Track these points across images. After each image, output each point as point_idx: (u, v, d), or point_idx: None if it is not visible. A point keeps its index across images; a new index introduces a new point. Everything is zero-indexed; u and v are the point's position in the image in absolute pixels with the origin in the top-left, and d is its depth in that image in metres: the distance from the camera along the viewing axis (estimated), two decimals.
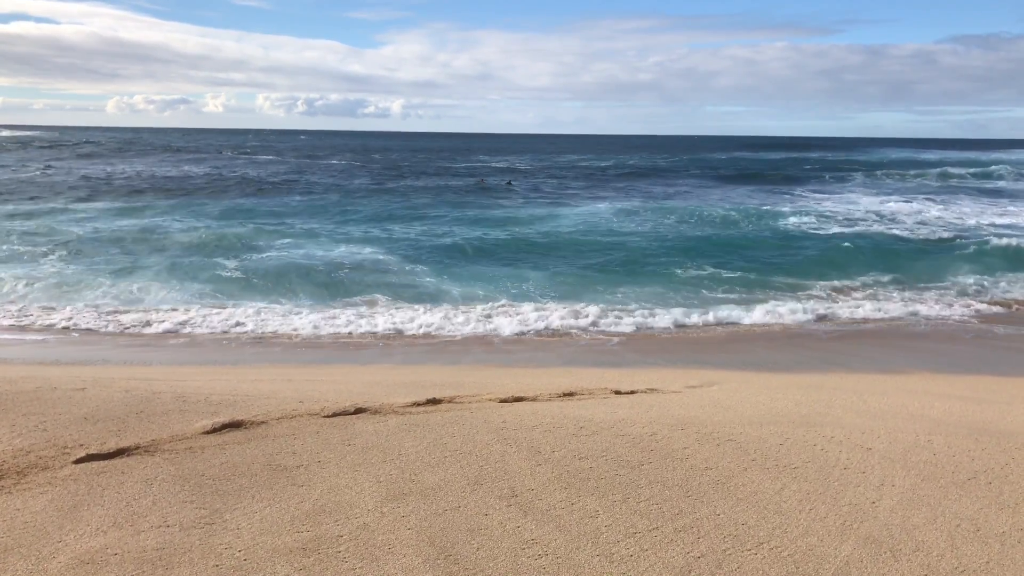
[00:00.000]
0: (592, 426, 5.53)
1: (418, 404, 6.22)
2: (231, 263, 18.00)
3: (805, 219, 27.71)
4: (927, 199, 36.35)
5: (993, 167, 58.38)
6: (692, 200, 35.41)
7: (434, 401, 6.38)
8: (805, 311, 14.02)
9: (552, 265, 18.70)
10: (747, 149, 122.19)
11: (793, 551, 3.62)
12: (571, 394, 7.37)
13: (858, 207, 32.66)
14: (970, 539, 3.76)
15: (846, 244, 21.75)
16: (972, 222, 27.62)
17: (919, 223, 27.15)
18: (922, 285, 16.59)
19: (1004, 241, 21.90)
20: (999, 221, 28.03)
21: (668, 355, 11.43)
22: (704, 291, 15.99)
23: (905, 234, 24.19)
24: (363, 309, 13.93)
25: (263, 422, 5.39)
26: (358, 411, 5.85)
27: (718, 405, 6.79)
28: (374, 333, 12.57)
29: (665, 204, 33.62)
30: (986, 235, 23.60)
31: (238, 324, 12.80)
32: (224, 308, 13.89)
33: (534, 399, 6.96)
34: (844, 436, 5.45)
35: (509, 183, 49.33)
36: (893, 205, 33.25)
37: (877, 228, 25.62)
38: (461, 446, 4.96)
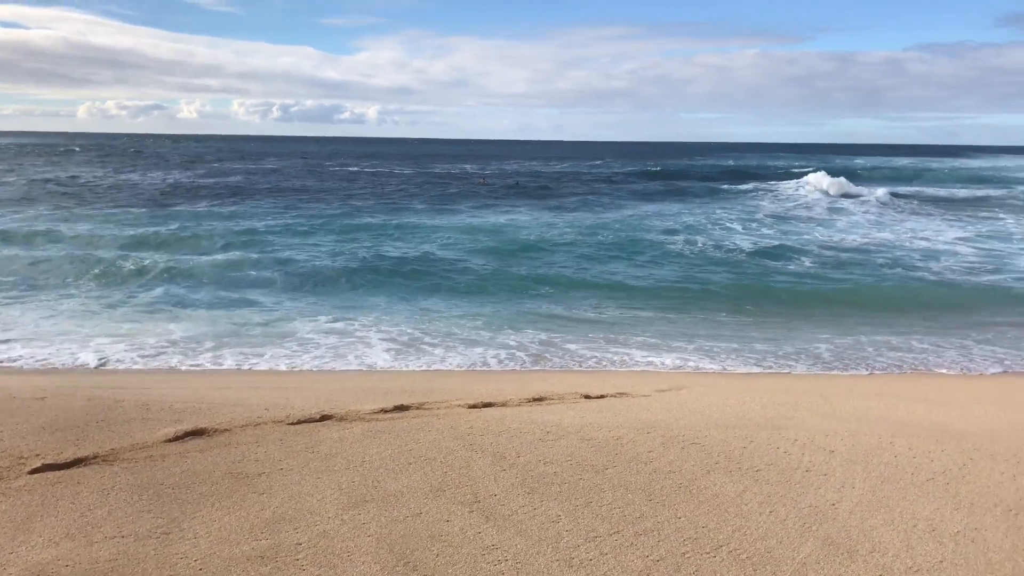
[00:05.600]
0: (559, 431, 5.53)
1: (385, 411, 6.19)
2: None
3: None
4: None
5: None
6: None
7: (402, 408, 6.35)
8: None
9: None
10: (719, 155, 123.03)
11: (752, 553, 3.64)
12: (541, 399, 7.37)
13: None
14: (925, 539, 3.81)
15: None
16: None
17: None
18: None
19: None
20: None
21: None
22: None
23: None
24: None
25: (226, 430, 5.34)
26: (323, 418, 5.81)
27: (686, 408, 6.82)
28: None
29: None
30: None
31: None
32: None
33: (503, 405, 6.95)
34: (807, 439, 5.49)
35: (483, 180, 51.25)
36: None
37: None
38: (426, 452, 4.95)
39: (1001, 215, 33.01)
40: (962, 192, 44.96)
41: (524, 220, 29.29)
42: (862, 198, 38.50)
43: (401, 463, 4.74)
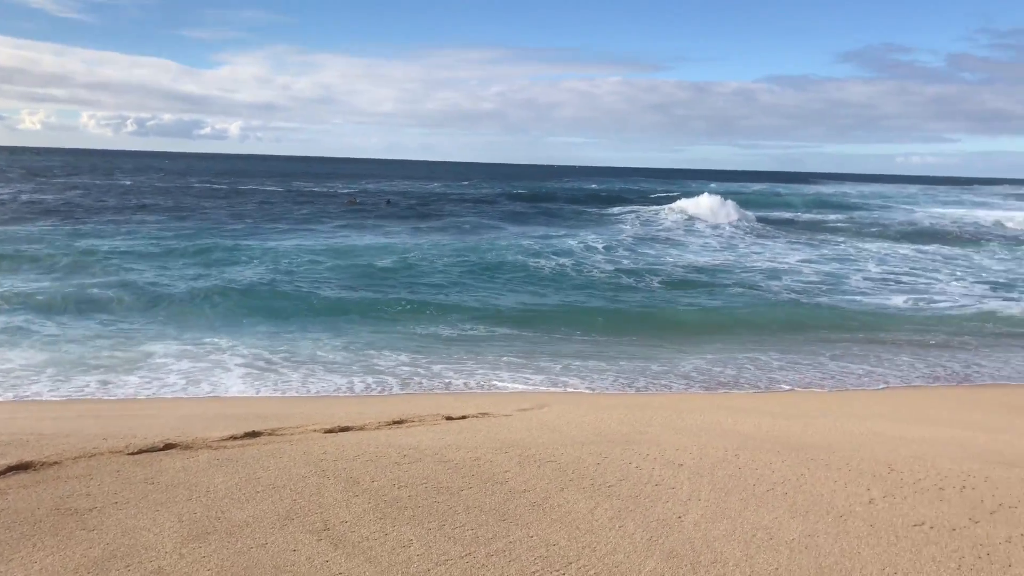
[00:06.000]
0: (416, 453, 5.46)
1: (235, 437, 5.94)
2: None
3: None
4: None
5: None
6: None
7: (253, 434, 6.11)
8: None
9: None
10: (585, 177, 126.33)
11: (600, 569, 3.69)
12: (401, 422, 7.27)
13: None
14: (764, 548, 3.97)
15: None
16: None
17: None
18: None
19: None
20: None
21: None
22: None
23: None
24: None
25: (56, 463, 4.97)
26: (167, 447, 5.51)
27: (545, 427, 6.89)
28: None
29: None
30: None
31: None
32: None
33: (361, 428, 6.81)
34: (659, 453, 5.65)
35: (388, 201, 51.17)
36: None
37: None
38: (275, 480, 4.77)
39: (840, 238, 35.38)
40: (806, 216, 47.94)
41: (392, 241, 29.04)
42: (721, 222, 40.34)
43: (248, 492, 4.55)
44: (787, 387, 11.34)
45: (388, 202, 52.14)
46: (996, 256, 29.56)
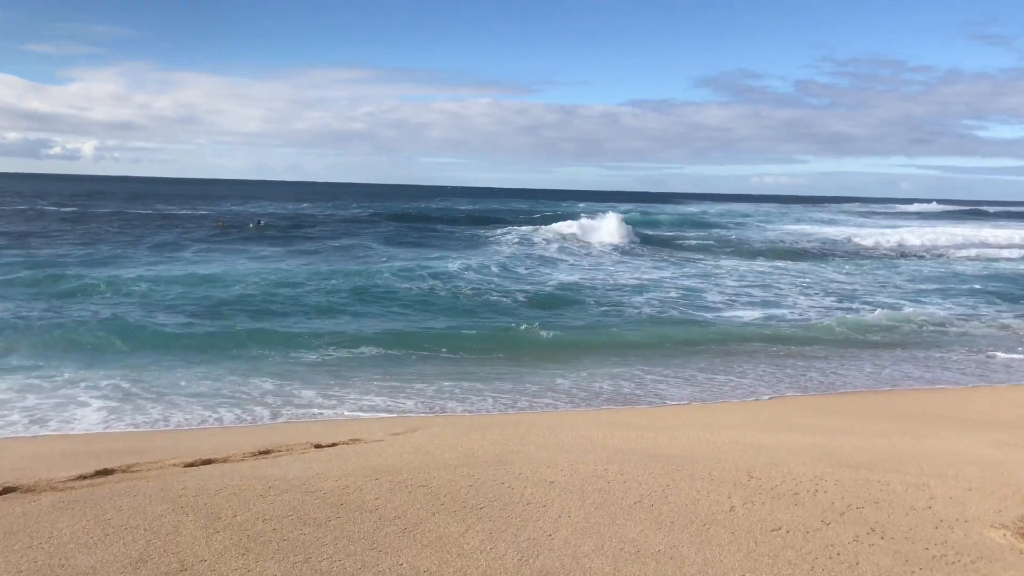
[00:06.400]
0: (282, 484, 5.28)
1: (84, 477, 5.57)
2: None
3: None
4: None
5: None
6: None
7: (105, 472, 5.75)
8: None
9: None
10: (457, 198, 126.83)
11: None
12: (267, 452, 7.02)
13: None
14: (631, 560, 4.05)
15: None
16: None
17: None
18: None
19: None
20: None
21: None
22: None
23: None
24: None
25: None
26: (6, 491, 5.11)
27: (418, 451, 6.81)
28: None
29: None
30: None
31: None
32: None
33: (225, 460, 6.54)
34: (531, 472, 5.68)
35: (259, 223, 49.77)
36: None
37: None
38: (128, 520, 4.49)
39: (702, 255, 36.92)
40: (670, 234, 49.79)
41: (260, 265, 28.17)
42: (592, 241, 41.30)
43: (97, 535, 4.26)
44: (655, 400, 11.66)
45: (258, 223, 50.62)
46: (843, 270, 31.55)
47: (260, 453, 6.92)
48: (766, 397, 11.87)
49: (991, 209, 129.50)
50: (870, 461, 6.27)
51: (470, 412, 10.81)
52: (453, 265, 28.18)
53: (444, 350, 15.01)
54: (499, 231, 47.97)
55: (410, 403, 11.14)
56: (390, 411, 10.75)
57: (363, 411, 10.74)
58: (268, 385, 11.92)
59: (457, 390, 11.90)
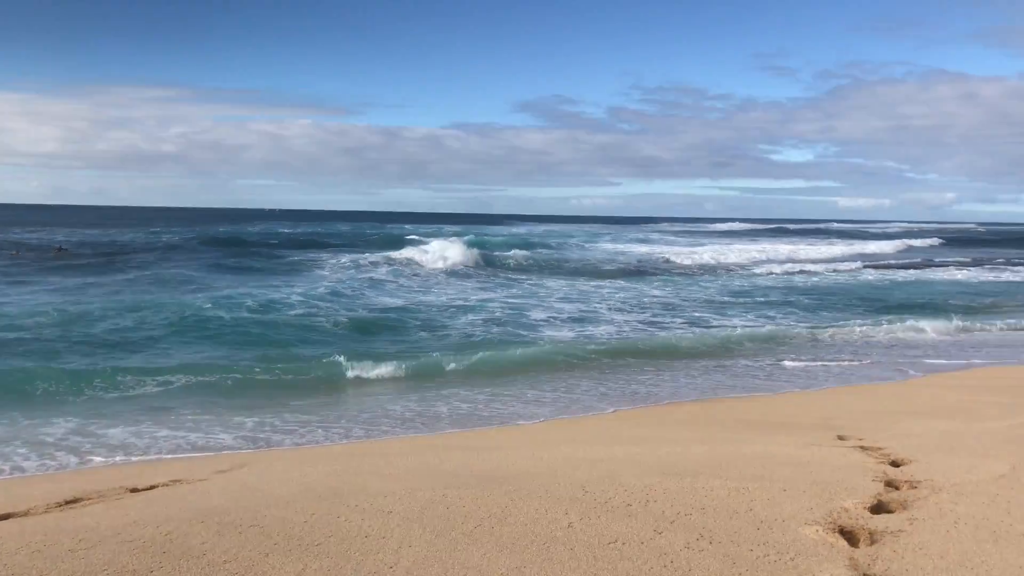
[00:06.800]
0: (94, 536, 4.85)
1: None
2: None
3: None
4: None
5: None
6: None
7: None
8: None
9: None
10: (279, 221, 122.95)
11: None
12: (76, 501, 6.46)
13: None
14: None
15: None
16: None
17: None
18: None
19: None
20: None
21: None
22: None
23: None
24: None
25: None
26: None
27: (247, 488, 6.48)
28: None
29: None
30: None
31: None
32: None
33: (25, 514, 5.95)
34: (368, 503, 5.54)
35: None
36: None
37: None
38: None
39: (526, 276, 37.78)
40: (498, 254, 50.53)
41: (58, 298, 25.99)
42: (422, 264, 41.23)
43: None
44: (489, 421, 11.73)
45: (59, 249, 46.79)
46: (659, 287, 33.25)
47: (67, 503, 6.35)
48: (593, 412, 12.24)
49: (790, 227, 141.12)
50: (694, 469, 6.59)
51: (299, 444, 10.43)
52: (276, 292, 27.16)
53: (264, 381, 14.41)
54: (324, 255, 46.99)
55: (229, 438, 10.58)
56: (209, 447, 10.18)
57: (181, 449, 10.11)
58: (72, 426, 10.98)
59: (278, 421, 11.43)
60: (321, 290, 28.29)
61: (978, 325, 21.93)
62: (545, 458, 7.48)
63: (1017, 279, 40.87)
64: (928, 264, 52.17)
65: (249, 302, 24.16)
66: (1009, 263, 53.10)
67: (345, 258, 43.99)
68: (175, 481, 7.26)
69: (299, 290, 27.91)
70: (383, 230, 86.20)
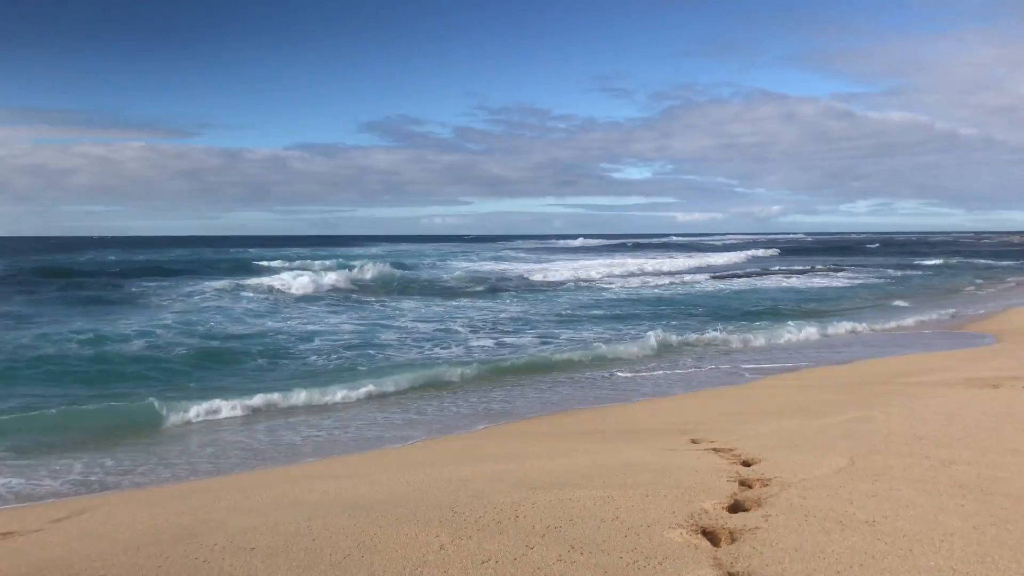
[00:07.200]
0: None
1: None
2: None
3: None
4: None
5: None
6: None
7: None
8: None
9: None
10: (113, 249, 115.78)
11: None
12: None
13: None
14: None
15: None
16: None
17: None
18: None
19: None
20: None
21: None
22: None
23: None
24: None
25: None
26: None
27: (90, 536, 6.02)
28: None
29: None
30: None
31: None
32: None
33: None
34: (228, 540, 5.27)
35: None
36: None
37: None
38: None
39: (375, 297, 37.31)
40: (352, 276, 49.65)
41: None
42: (273, 288, 39.90)
43: None
44: (329, 448, 11.40)
45: None
46: (512, 304, 33.71)
47: None
48: (456, 432, 12.20)
49: (637, 241, 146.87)
50: (560, 481, 6.68)
51: (141, 484, 9.77)
52: (108, 326, 25.44)
53: (94, 420, 13.30)
54: (165, 283, 44.66)
55: (56, 484, 9.75)
56: (34, 496, 9.35)
57: (2, 499, 9.25)
58: None
59: (110, 462, 10.66)
60: (161, 321, 26.74)
61: (809, 328, 23.51)
62: (411, 481, 7.38)
63: (838, 284, 44.35)
64: (767, 272, 55.79)
65: (80, 337, 22.48)
66: (831, 269, 57.87)
67: (187, 287, 41.97)
68: (6, 534, 6.64)
69: (136, 322, 26.27)
70: (227, 255, 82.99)
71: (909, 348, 19.73)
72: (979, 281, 45.64)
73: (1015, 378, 12.45)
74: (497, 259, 79.35)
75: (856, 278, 49.53)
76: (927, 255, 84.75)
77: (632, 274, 54.90)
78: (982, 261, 70.95)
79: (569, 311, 30.47)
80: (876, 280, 47.80)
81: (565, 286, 44.94)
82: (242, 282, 42.31)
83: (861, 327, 24.10)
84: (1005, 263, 67.84)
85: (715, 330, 23.13)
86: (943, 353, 18.16)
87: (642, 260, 69.18)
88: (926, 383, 13.10)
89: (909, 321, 26.12)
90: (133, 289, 42.16)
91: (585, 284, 46.45)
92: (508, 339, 22.91)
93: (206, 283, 42.80)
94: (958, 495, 5.59)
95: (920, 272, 56.61)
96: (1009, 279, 47.73)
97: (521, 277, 51.48)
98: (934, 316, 27.54)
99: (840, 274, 53.69)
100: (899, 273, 54.74)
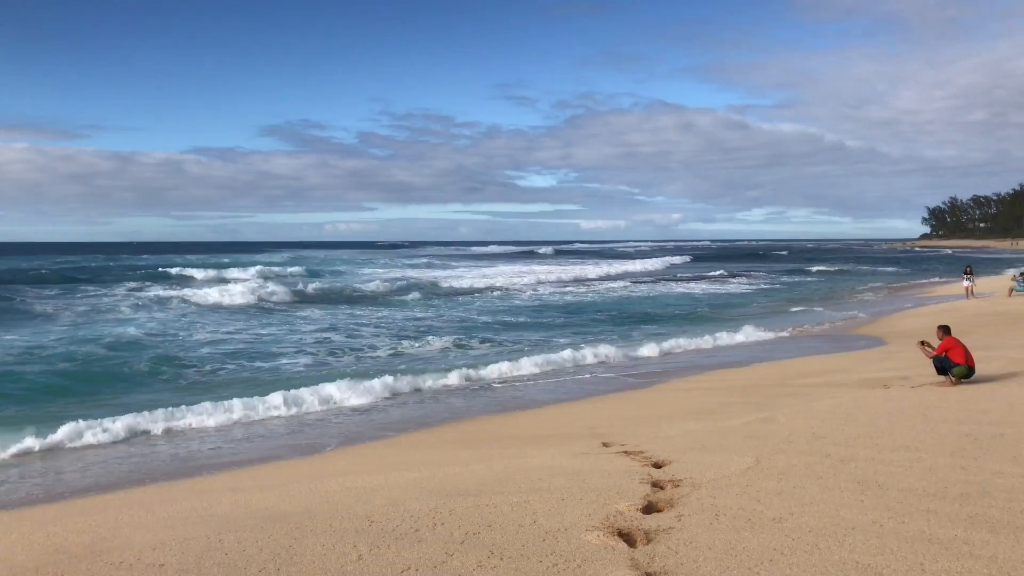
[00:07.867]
0: None
1: None
2: None
3: None
4: None
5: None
6: None
7: None
8: None
9: None
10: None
11: None
12: None
13: None
14: None
15: None
16: None
17: None
18: None
19: None
20: None
21: None
22: None
23: None
24: None
25: None
26: None
27: None
28: None
29: None
30: None
31: None
32: None
33: None
34: (135, 557, 5.08)
35: None
36: None
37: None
38: None
39: (283, 307, 36.51)
40: (254, 285, 48.38)
41: None
42: (170, 297, 38.43)
43: None
44: (250, 459, 11.11)
45: None
46: (418, 311, 33.53)
47: None
48: (366, 441, 12.03)
49: (540, 249, 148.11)
50: (476, 487, 6.69)
51: (35, 500, 9.26)
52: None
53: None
54: (50, 293, 42.47)
55: None
56: None
57: None
58: None
59: (8, 477, 10.13)
60: (45, 334, 25.33)
61: (719, 332, 24.18)
62: (323, 491, 7.26)
63: (740, 290, 45.89)
64: (675, 278, 57.35)
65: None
66: (732, 275, 60.04)
67: (77, 296, 40.03)
68: None
69: (18, 336, 24.78)
70: (120, 261, 79.67)
71: (804, 351, 20.55)
72: (872, 286, 48.14)
73: (904, 378, 13.15)
74: (406, 266, 78.90)
75: (755, 284, 51.54)
76: (825, 260, 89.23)
77: (545, 281, 55.45)
78: (870, 268, 74.76)
79: (477, 317, 30.57)
80: (776, 286, 49.83)
81: (477, 292, 44.99)
82: (140, 292, 40.67)
83: (761, 331, 24.95)
84: (891, 269, 71.77)
85: (612, 334, 23.56)
86: (836, 355, 18.99)
87: (556, 267, 70.06)
88: (822, 384, 13.69)
89: (805, 324, 27.23)
90: (15, 298, 39.86)
91: (498, 290, 46.55)
92: (416, 345, 22.76)
93: (100, 291, 40.95)
94: (857, 491, 5.87)
95: (815, 278, 59.17)
96: (894, 284, 50.44)
97: (432, 283, 51.24)
98: (829, 320, 28.78)
99: (739, 279, 55.70)
100: (795, 279, 57.23)
